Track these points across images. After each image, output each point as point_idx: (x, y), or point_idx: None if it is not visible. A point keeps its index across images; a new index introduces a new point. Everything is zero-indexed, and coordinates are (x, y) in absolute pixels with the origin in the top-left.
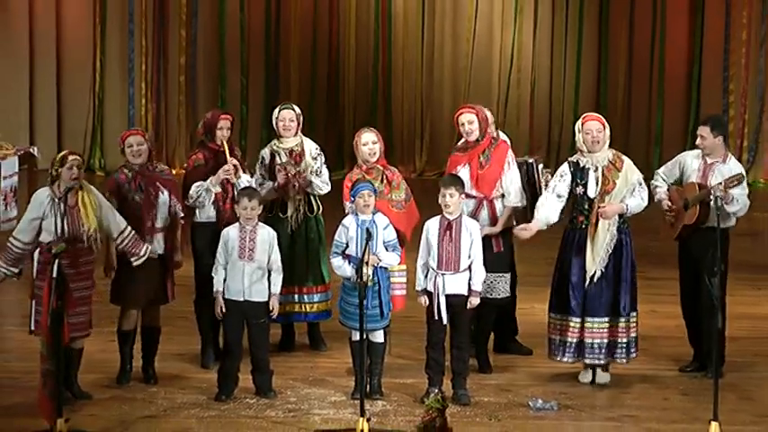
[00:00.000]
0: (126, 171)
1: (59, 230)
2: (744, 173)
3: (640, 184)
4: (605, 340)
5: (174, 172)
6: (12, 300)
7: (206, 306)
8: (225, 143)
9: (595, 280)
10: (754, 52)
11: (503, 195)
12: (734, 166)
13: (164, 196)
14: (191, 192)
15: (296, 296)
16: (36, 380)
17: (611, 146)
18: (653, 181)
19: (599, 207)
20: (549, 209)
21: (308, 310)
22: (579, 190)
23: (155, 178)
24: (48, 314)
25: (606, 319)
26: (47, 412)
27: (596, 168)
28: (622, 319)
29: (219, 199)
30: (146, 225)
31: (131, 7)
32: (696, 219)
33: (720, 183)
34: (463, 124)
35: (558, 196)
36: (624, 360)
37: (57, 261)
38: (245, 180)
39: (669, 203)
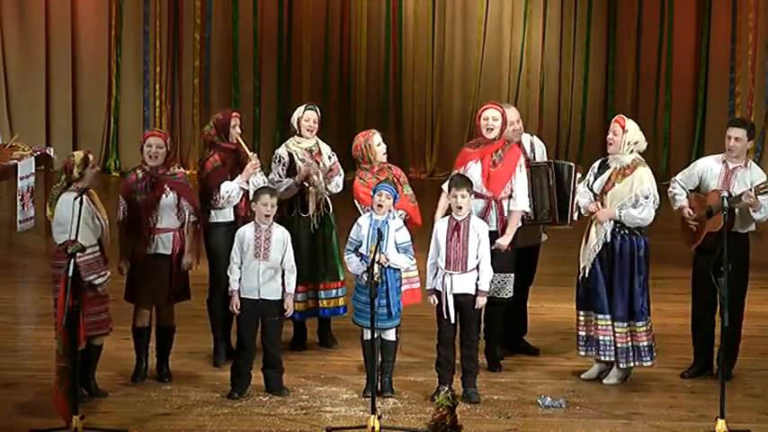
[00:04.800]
0: (138, 172)
1: (101, 226)
2: (761, 179)
3: (646, 198)
4: (600, 336)
5: (187, 173)
6: (28, 299)
7: (219, 306)
8: (242, 141)
9: (586, 275)
10: (760, 54)
11: (510, 197)
12: (756, 172)
13: (168, 199)
14: (221, 192)
15: (313, 292)
16: (52, 378)
17: None
18: (670, 188)
19: (595, 205)
20: (585, 194)
21: (326, 305)
22: (593, 181)
23: (164, 180)
24: (63, 313)
25: (607, 317)
26: (63, 410)
27: (611, 168)
28: (618, 324)
29: None
30: (144, 226)
31: (146, 10)
32: (722, 226)
33: (750, 189)
34: (487, 119)
35: (588, 188)
36: (623, 364)
37: (72, 260)
38: (259, 179)
39: (691, 212)
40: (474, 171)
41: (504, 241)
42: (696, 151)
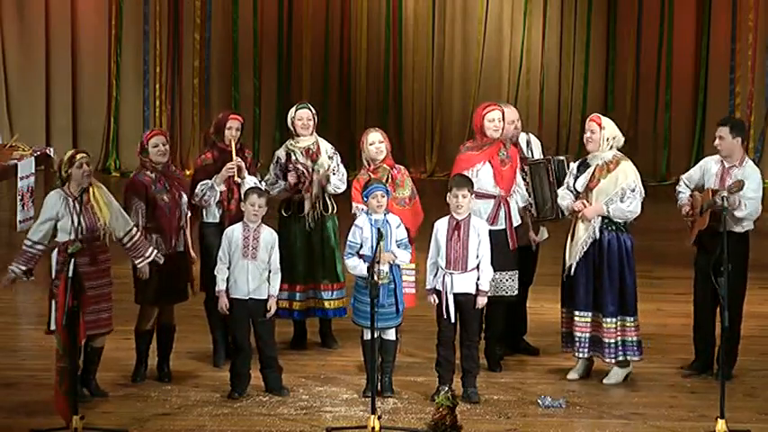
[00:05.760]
0: (148, 173)
1: (77, 229)
2: (750, 179)
3: (632, 191)
4: (587, 335)
5: (187, 172)
6: (28, 300)
7: (215, 306)
8: (233, 143)
9: (572, 273)
10: (760, 55)
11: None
12: (749, 170)
13: (185, 196)
14: (196, 190)
15: (313, 292)
16: (52, 378)
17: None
18: (677, 186)
19: (581, 203)
20: (566, 194)
21: (325, 306)
22: (573, 182)
23: (174, 178)
24: (63, 313)
25: (588, 314)
26: (63, 410)
27: (593, 166)
28: (608, 319)
29: (225, 199)
30: (173, 225)
31: (146, 10)
32: (708, 224)
33: (725, 189)
34: (493, 120)
35: (569, 189)
36: (611, 359)
37: (73, 260)
38: (251, 181)
39: (688, 209)
40: (484, 173)
41: (534, 235)
42: (696, 151)
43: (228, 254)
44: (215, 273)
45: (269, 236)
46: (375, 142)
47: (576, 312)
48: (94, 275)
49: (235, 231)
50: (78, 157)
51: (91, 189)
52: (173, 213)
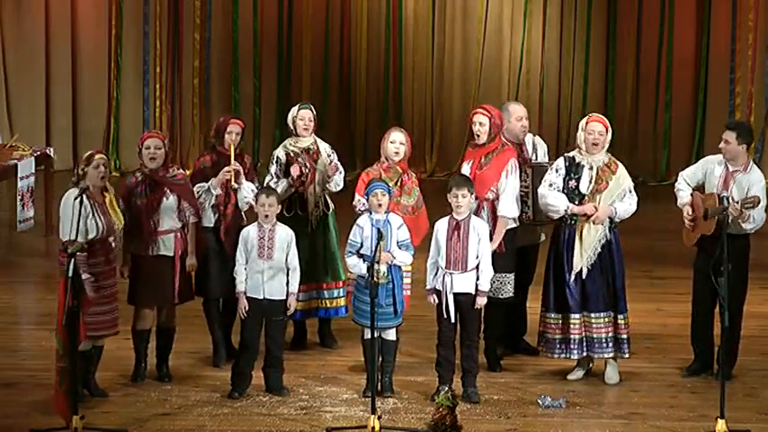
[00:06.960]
0: (137, 174)
1: (97, 228)
2: (755, 186)
3: (630, 192)
4: (603, 335)
5: (187, 173)
6: (28, 300)
7: (213, 307)
8: (232, 147)
9: (583, 276)
10: (760, 55)
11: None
12: (755, 178)
13: (168, 201)
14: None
15: (315, 292)
16: (52, 378)
17: (614, 149)
18: (676, 184)
19: (593, 206)
20: (560, 196)
21: (327, 305)
22: (572, 184)
23: (164, 183)
24: (63, 313)
25: (603, 314)
26: (63, 410)
27: (591, 167)
28: (621, 316)
29: (221, 203)
30: (145, 229)
31: (146, 10)
32: (714, 231)
33: (738, 202)
34: (474, 124)
35: (557, 189)
36: (627, 355)
37: (73, 260)
38: (248, 188)
39: (690, 210)
40: (465, 171)
41: (491, 246)
42: (696, 151)
43: (245, 254)
44: (233, 274)
45: (284, 234)
46: (396, 141)
47: (594, 315)
48: (106, 275)
49: (250, 232)
50: (97, 157)
51: (107, 195)
52: (146, 218)
